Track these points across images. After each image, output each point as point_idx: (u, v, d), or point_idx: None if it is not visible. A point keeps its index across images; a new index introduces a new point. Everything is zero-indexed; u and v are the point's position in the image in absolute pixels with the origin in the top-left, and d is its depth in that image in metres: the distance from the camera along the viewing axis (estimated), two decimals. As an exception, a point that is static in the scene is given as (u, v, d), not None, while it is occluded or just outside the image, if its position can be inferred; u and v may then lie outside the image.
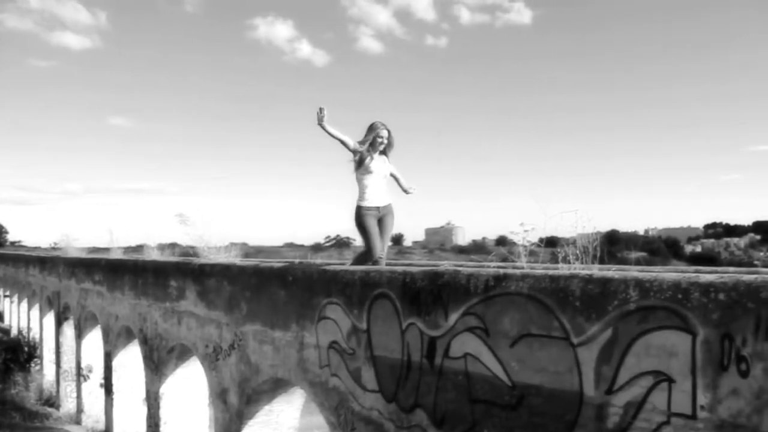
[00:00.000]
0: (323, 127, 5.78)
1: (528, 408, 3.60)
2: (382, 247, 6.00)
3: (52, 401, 16.01)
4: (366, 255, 5.96)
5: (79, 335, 14.19)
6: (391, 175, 6.27)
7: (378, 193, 6.01)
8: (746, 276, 2.78)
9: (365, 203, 5.94)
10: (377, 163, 6.01)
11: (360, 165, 5.97)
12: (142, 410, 10.48)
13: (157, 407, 9.60)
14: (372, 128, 6.05)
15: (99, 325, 12.98)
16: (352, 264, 6.01)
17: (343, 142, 5.95)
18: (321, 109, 5.71)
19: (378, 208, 5.98)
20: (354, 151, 5.97)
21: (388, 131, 6.08)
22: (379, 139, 6.01)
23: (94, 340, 13.78)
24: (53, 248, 21.98)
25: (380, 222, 6.05)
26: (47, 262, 17.99)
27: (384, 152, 6.14)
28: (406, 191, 6.44)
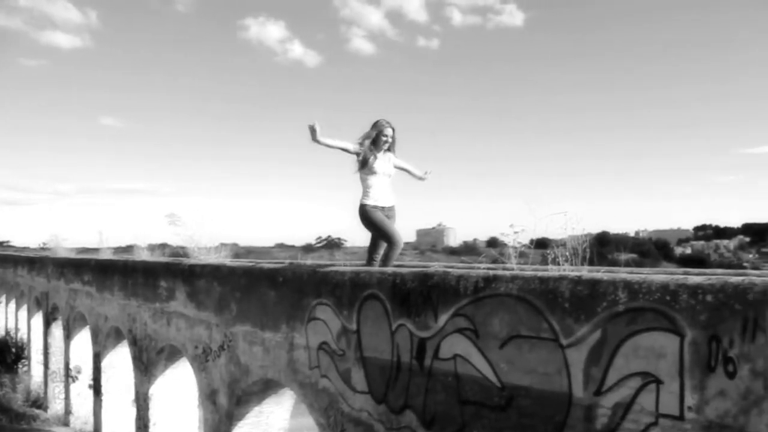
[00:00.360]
0: (319, 142, 5.62)
1: (517, 409, 3.61)
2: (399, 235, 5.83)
3: (39, 403, 15.88)
4: (390, 248, 5.76)
5: (68, 336, 14.08)
6: (402, 168, 6.14)
7: (382, 193, 5.87)
8: (733, 278, 2.80)
9: (370, 202, 5.79)
10: (381, 162, 5.87)
11: (364, 165, 5.84)
12: (132, 411, 10.42)
13: (147, 408, 9.55)
14: (375, 126, 5.90)
15: (88, 326, 12.89)
16: (382, 264, 5.85)
17: (343, 149, 5.81)
18: (312, 126, 5.57)
19: (383, 208, 5.85)
20: (357, 153, 5.85)
21: (393, 129, 5.97)
22: (384, 138, 5.88)
23: (82, 340, 13.68)
24: (42, 248, 21.82)
25: None
26: (36, 262, 17.85)
27: (389, 150, 6.00)
28: (422, 178, 6.32)
